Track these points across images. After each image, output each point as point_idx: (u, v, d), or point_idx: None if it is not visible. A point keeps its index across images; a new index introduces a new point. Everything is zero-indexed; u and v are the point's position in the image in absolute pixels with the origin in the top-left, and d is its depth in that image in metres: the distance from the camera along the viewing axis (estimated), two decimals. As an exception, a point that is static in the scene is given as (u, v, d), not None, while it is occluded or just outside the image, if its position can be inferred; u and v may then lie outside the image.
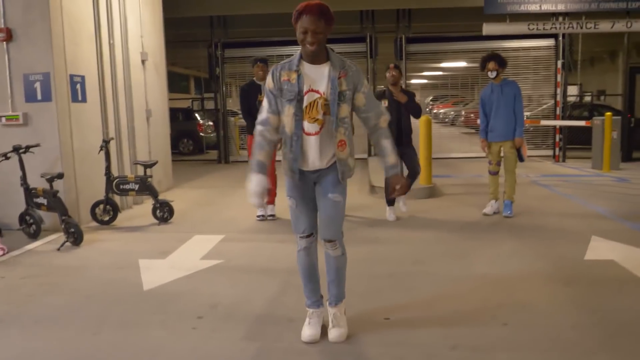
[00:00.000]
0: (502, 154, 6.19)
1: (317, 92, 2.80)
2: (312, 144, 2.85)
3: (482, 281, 4.06)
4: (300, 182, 2.96)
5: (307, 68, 2.83)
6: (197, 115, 15.17)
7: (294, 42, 13.15)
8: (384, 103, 5.86)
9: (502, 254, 4.76)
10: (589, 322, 3.29)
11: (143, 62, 7.97)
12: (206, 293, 3.91)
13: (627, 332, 3.14)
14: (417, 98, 6.21)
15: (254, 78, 6.26)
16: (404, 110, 5.89)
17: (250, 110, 6.03)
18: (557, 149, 12.14)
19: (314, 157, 2.87)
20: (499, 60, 6.00)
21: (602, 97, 20.93)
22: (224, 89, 12.97)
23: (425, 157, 7.57)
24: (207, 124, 14.75)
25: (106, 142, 6.22)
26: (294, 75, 2.79)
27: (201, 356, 2.98)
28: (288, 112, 2.82)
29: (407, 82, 12.75)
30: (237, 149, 13.60)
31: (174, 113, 12.44)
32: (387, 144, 2.96)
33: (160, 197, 6.45)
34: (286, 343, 3.10)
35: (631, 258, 4.50)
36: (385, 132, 2.96)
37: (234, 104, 13.79)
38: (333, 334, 3.06)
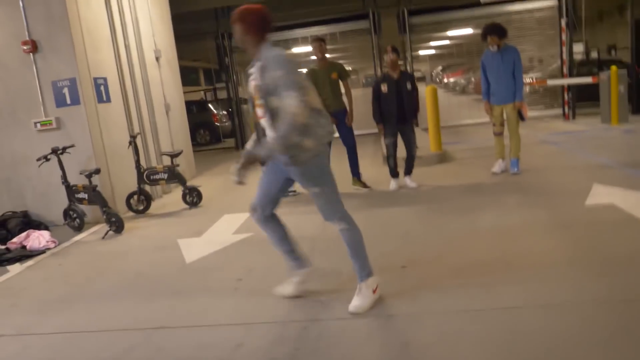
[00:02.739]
0: (504, 116, 6.50)
1: (255, 81, 3.08)
2: (265, 127, 3.11)
3: (488, 232, 4.45)
4: (270, 162, 3.24)
5: (255, 62, 3.13)
6: (210, 105, 15.61)
7: (296, 26, 13.42)
8: (383, 87, 6.20)
9: (507, 208, 5.13)
10: (584, 257, 3.67)
11: (157, 59, 8.39)
12: (241, 261, 4.38)
13: (618, 264, 3.50)
14: (417, 79, 6.58)
15: None
16: (405, 91, 6.17)
17: None
18: (566, 107, 12.31)
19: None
20: (498, 32, 6.27)
21: (612, 52, 20.80)
22: (234, 77, 13.37)
23: (433, 126, 7.92)
24: (221, 113, 15.19)
25: (134, 138, 6.69)
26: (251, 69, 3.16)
27: (244, 312, 3.44)
28: None
29: (413, 53, 12.97)
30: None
31: (188, 105, 12.82)
32: (271, 136, 3.05)
33: (188, 184, 6.92)
34: (315, 295, 3.54)
35: (630, 201, 4.83)
36: (278, 124, 2.98)
37: (245, 91, 14.17)
38: (351, 303, 3.25)
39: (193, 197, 6.77)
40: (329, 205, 3.23)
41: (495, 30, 6.29)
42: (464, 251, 4.07)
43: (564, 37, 12.06)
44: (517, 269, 3.60)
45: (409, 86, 6.18)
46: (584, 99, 12.49)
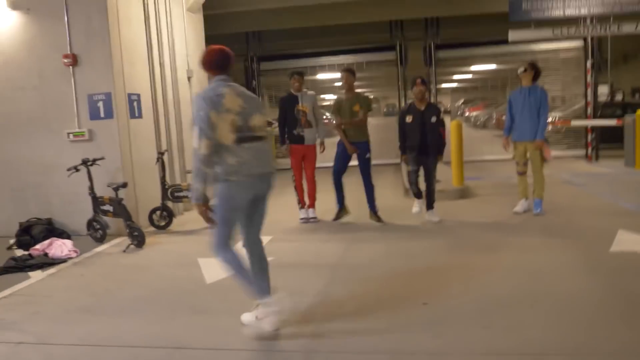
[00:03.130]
0: (527, 155, 6.50)
1: None
2: None
3: (512, 271, 4.42)
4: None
5: None
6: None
7: (323, 54, 13.67)
8: (408, 118, 6.24)
9: (531, 248, 5.09)
10: (611, 301, 3.62)
11: (189, 79, 8.58)
12: (262, 285, 4.39)
13: (646, 312, 3.46)
14: (443, 112, 6.61)
15: (291, 90, 6.76)
16: (429, 123, 6.17)
17: (286, 120, 6.64)
18: (589, 149, 12.25)
19: None
20: (534, 70, 6.37)
21: (636, 95, 20.72)
22: (260, 100, 13.58)
23: (456, 160, 7.94)
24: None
25: (162, 154, 6.81)
26: None
27: (265, 337, 3.44)
28: None
29: (438, 86, 13.09)
30: (274, 157, 14.17)
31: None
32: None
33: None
34: (337, 324, 3.54)
35: None
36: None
37: (270, 114, 14.40)
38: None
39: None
40: (213, 234, 3.51)
41: (532, 68, 6.39)
42: (488, 288, 4.05)
43: (589, 78, 12.07)
44: (542, 311, 3.56)
45: (433, 119, 6.19)
46: (607, 140, 12.42)
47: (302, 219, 6.77)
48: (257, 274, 3.56)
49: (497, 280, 4.23)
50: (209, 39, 10.97)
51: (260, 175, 3.47)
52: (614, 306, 3.60)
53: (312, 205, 6.79)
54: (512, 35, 10.95)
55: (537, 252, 4.93)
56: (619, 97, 14.12)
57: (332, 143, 6.79)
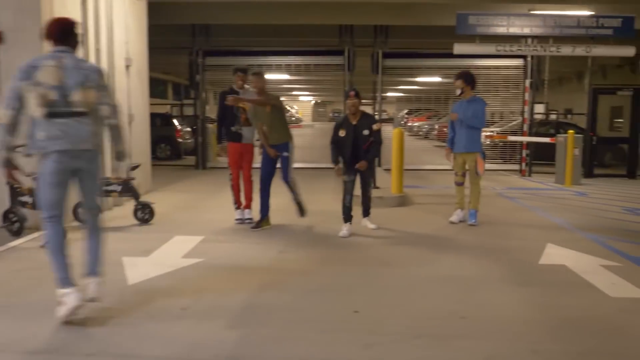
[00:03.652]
0: (466, 166, 6.60)
1: None
2: None
3: (444, 282, 4.42)
4: None
5: None
6: (175, 121, 15.32)
7: (271, 53, 13.54)
8: (341, 132, 5.96)
9: (464, 258, 5.14)
10: (537, 317, 3.67)
11: (127, 67, 8.18)
12: (189, 287, 4.17)
13: (571, 326, 3.52)
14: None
15: (233, 86, 6.52)
16: (361, 137, 5.90)
17: (224, 117, 6.39)
18: (523, 164, 12.72)
19: None
20: (465, 78, 6.49)
21: (569, 116, 21.84)
22: (203, 95, 13.22)
23: (396, 167, 7.97)
24: (185, 130, 14.92)
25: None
26: None
27: (186, 343, 3.23)
28: None
29: (383, 95, 13.20)
30: (215, 155, 13.82)
31: (152, 118, 12.57)
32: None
33: (141, 199, 6.66)
34: (266, 330, 3.38)
35: (581, 263, 4.93)
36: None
37: (212, 110, 14.05)
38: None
39: (145, 213, 6.50)
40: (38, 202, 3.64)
41: (463, 76, 6.51)
42: (420, 299, 4.01)
43: (527, 96, 12.55)
44: (471, 323, 3.55)
45: (366, 132, 5.89)
46: (540, 157, 12.94)
47: (237, 219, 6.56)
48: (89, 247, 3.69)
49: (428, 292, 4.21)
50: (153, 29, 10.59)
51: (70, 152, 3.42)
52: (540, 319, 3.64)
53: (248, 206, 6.59)
54: (458, 48, 11.20)
55: (469, 263, 4.98)
56: (553, 116, 14.79)
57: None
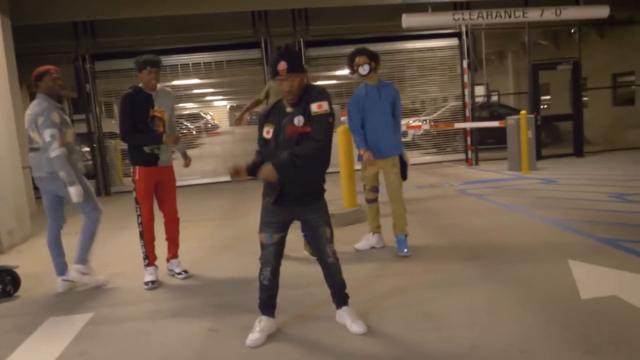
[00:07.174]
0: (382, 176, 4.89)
1: None
2: None
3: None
4: None
5: None
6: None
7: (174, 51, 11.45)
8: (267, 130, 4.32)
9: (477, 300, 3.64)
10: None
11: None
12: None
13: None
14: (316, 109, 4.66)
15: (140, 85, 4.47)
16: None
17: (136, 128, 4.39)
18: (469, 152, 11.66)
19: None
20: (369, 54, 4.68)
21: (495, 97, 21.44)
22: (97, 109, 10.99)
23: (346, 175, 6.39)
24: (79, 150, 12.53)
25: None
26: None
27: None
28: None
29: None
30: (120, 177, 11.62)
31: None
32: None
33: (3, 260, 4.62)
34: None
35: (631, 288, 3.58)
36: None
37: (109, 125, 11.81)
38: None
39: (4, 284, 4.45)
40: None
41: (364, 51, 4.65)
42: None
43: (465, 78, 11.48)
44: None
45: (297, 122, 4.30)
46: (481, 143, 11.93)
47: (148, 283, 4.46)
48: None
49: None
50: (19, 30, 8.44)
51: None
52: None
53: (174, 256, 4.72)
54: (406, 20, 9.61)
55: (489, 319, 3.48)
56: (494, 98, 13.94)
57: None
